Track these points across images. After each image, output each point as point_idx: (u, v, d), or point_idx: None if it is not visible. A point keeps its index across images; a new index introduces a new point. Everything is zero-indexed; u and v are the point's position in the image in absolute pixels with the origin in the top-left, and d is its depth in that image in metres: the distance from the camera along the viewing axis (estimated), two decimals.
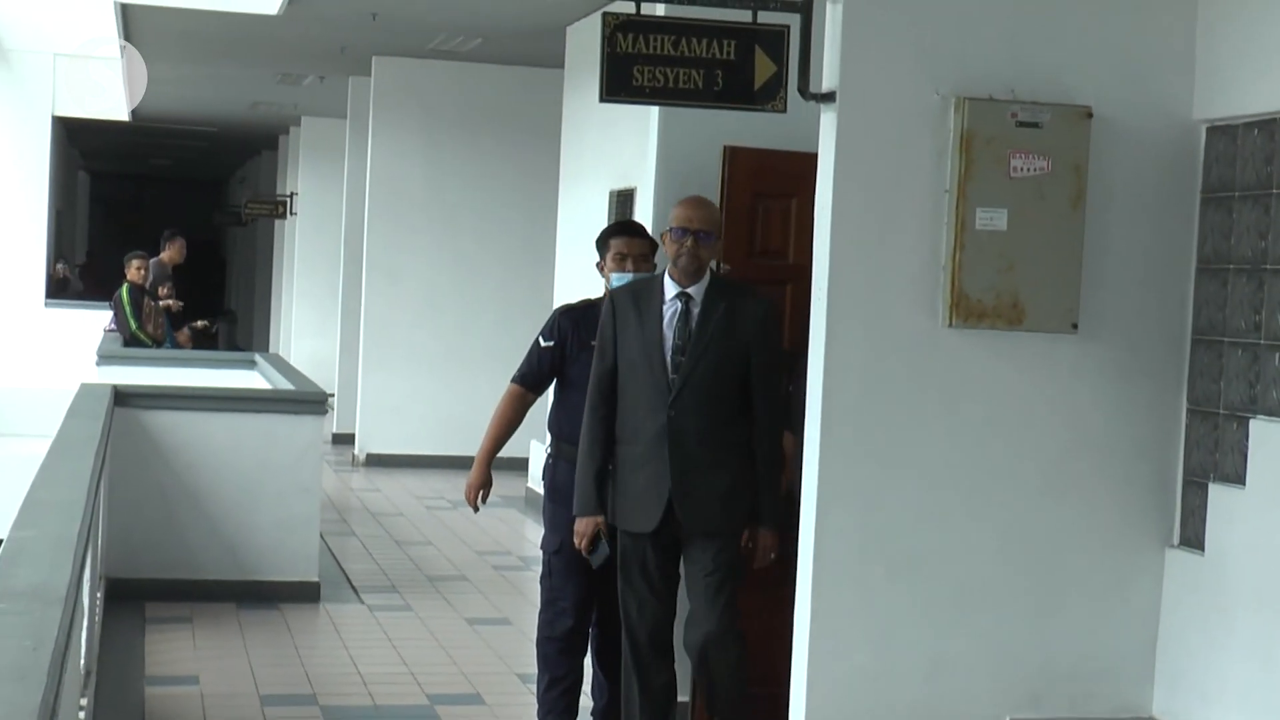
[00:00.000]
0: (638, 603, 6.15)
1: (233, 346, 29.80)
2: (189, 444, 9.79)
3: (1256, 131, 5.61)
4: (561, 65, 14.36)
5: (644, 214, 7.51)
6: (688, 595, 6.15)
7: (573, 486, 6.27)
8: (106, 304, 18.18)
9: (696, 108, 6.04)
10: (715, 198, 6.97)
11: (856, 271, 5.60)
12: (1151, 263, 5.85)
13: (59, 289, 25.53)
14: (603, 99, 5.81)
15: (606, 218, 11.69)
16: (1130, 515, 5.86)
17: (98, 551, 7.76)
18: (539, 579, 6.85)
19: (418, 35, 15.22)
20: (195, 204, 40.34)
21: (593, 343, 6.41)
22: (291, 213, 24.56)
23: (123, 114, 22.88)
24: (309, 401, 10.47)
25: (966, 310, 5.60)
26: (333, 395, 17.24)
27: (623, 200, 11.76)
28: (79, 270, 32.08)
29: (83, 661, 6.32)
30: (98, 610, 8.12)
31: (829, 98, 5.63)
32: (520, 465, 13.76)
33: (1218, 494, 5.68)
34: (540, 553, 6.82)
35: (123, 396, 9.79)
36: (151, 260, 16.92)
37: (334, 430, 17.47)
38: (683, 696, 6.67)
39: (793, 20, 5.72)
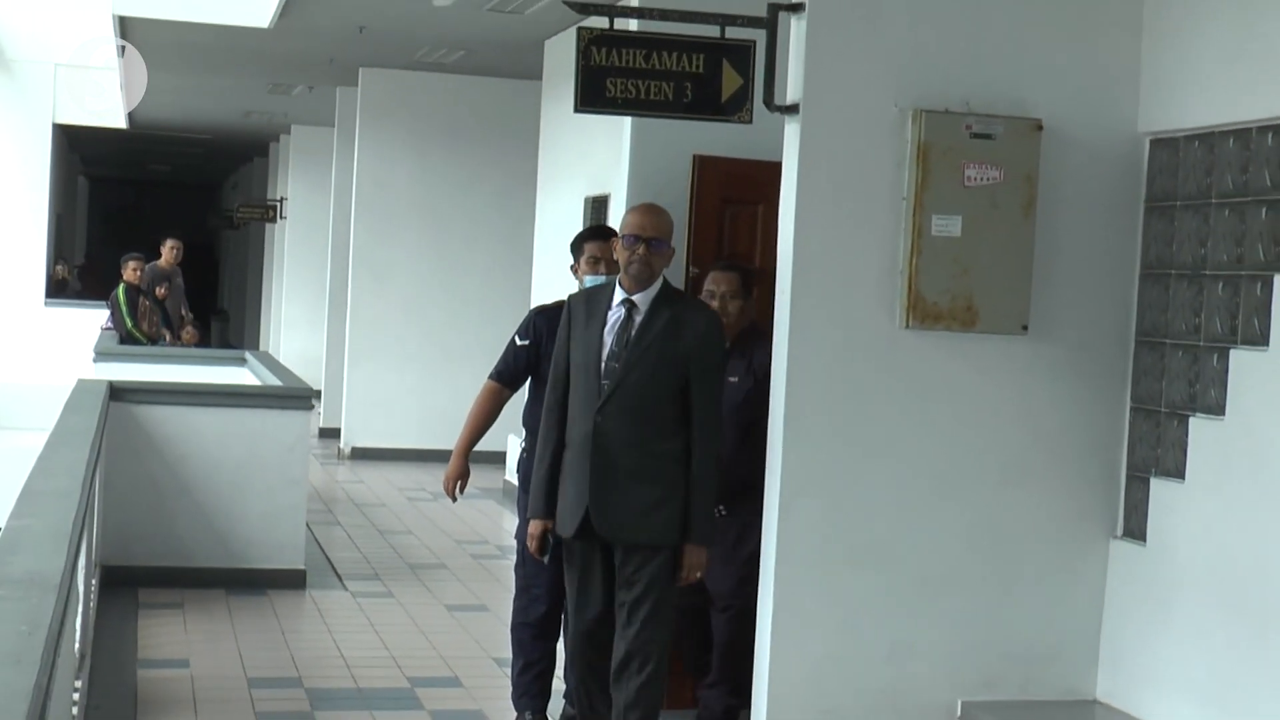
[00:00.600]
0: (575, 602, 5.93)
1: (225, 344, 29.73)
2: (181, 437, 9.76)
3: (1197, 144, 5.63)
4: (539, 77, 14.36)
5: (617, 219, 7.50)
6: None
7: None
8: (104, 303, 18.14)
9: (667, 118, 6.04)
10: (685, 205, 6.98)
11: (819, 275, 5.60)
12: (1098, 268, 5.86)
13: (58, 289, 25.44)
14: (578, 109, 5.81)
15: (581, 222, 11.69)
16: (1077, 508, 5.88)
17: (93, 540, 7.73)
18: (514, 567, 6.85)
19: (403, 48, 15.20)
20: (190, 208, 40.25)
21: None
22: (281, 216, 24.52)
23: (120, 121, 22.82)
24: (296, 397, 10.46)
25: (923, 312, 5.61)
26: (320, 391, 17.27)
27: (597, 206, 11.76)
28: (78, 271, 31.95)
29: (77, 646, 6.29)
30: (92, 596, 8.10)
31: (793, 110, 5.63)
32: (497, 459, 13.74)
33: (1159, 488, 5.70)
34: (515, 542, 6.81)
35: (118, 392, 9.76)
36: (148, 264, 16.89)
37: (321, 425, 17.43)
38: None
39: (758, 36, 5.72)
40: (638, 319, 5.75)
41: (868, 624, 5.71)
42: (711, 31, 5.79)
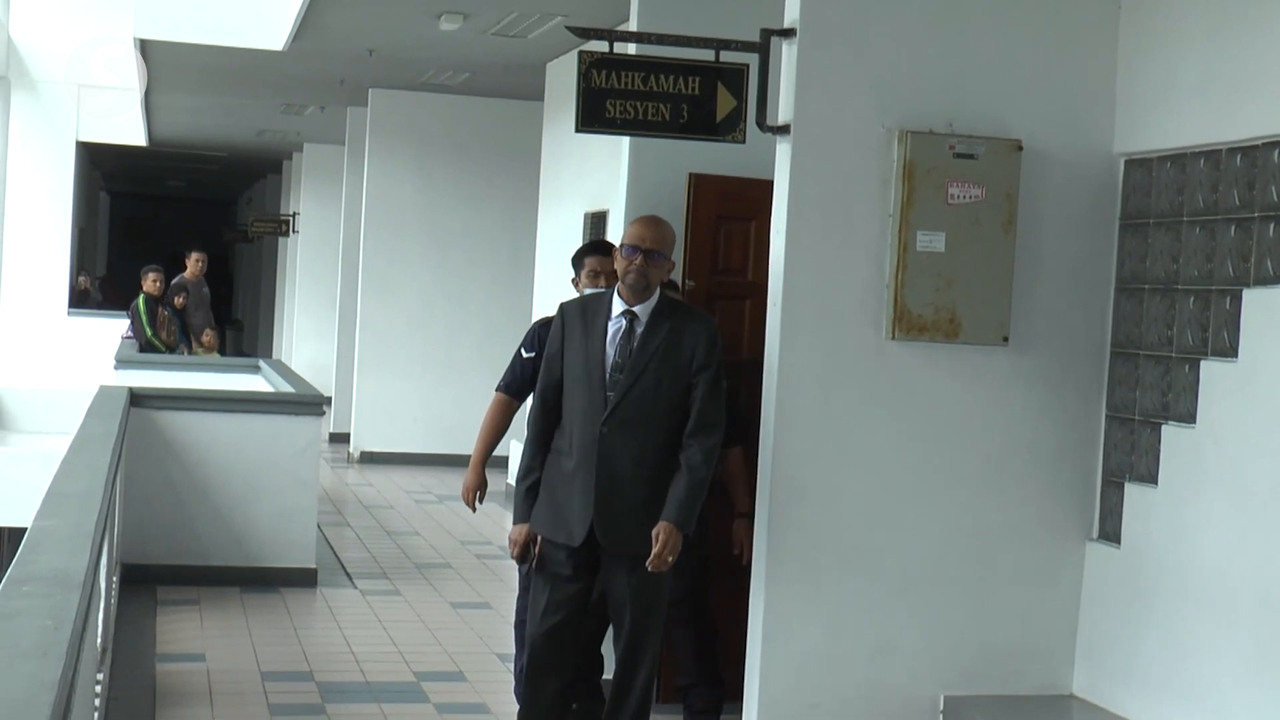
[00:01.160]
0: (541, 610, 5.69)
1: (239, 353, 29.73)
2: (198, 442, 9.76)
3: (1169, 164, 5.64)
4: (541, 98, 14.37)
5: (616, 235, 7.51)
6: (609, 610, 5.80)
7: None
8: (124, 313, 18.13)
9: (664, 138, 6.04)
10: (681, 221, 6.98)
11: (808, 288, 5.60)
12: (1075, 282, 5.87)
13: (80, 299, 25.41)
14: (579, 129, 5.80)
15: (581, 237, 11.69)
16: (1055, 512, 5.88)
17: (114, 539, 7.72)
18: (517, 566, 6.83)
19: (410, 70, 15.22)
20: (206, 222, 40.22)
21: None
22: (294, 231, 24.52)
23: (140, 139, 22.82)
24: (308, 403, 10.46)
25: (908, 324, 5.61)
26: (330, 398, 17.27)
27: (596, 221, 11.76)
28: (99, 282, 31.92)
29: (99, 640, 6.28)
30: (113, 593, 8.09)
31: (784, 130, 5.64)
32: (501, 463, 13.74)
33: (1133, 493, 5.70)
34: None
35: (138, 398, 9.76)
36: (175, 277, 16.98)
37: (331, 430, 17.43)
38: None
39: (752, 59, 5.73)
40: (639, 330, 5.61)
41: (854, 622, 5.71)
42: (707, 55, 5.79)
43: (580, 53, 5.75)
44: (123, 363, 14.46)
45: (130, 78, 18.10)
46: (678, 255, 6.93)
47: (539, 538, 5.70)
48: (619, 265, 5.69)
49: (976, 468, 5.78)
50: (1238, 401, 5.24)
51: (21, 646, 3.29)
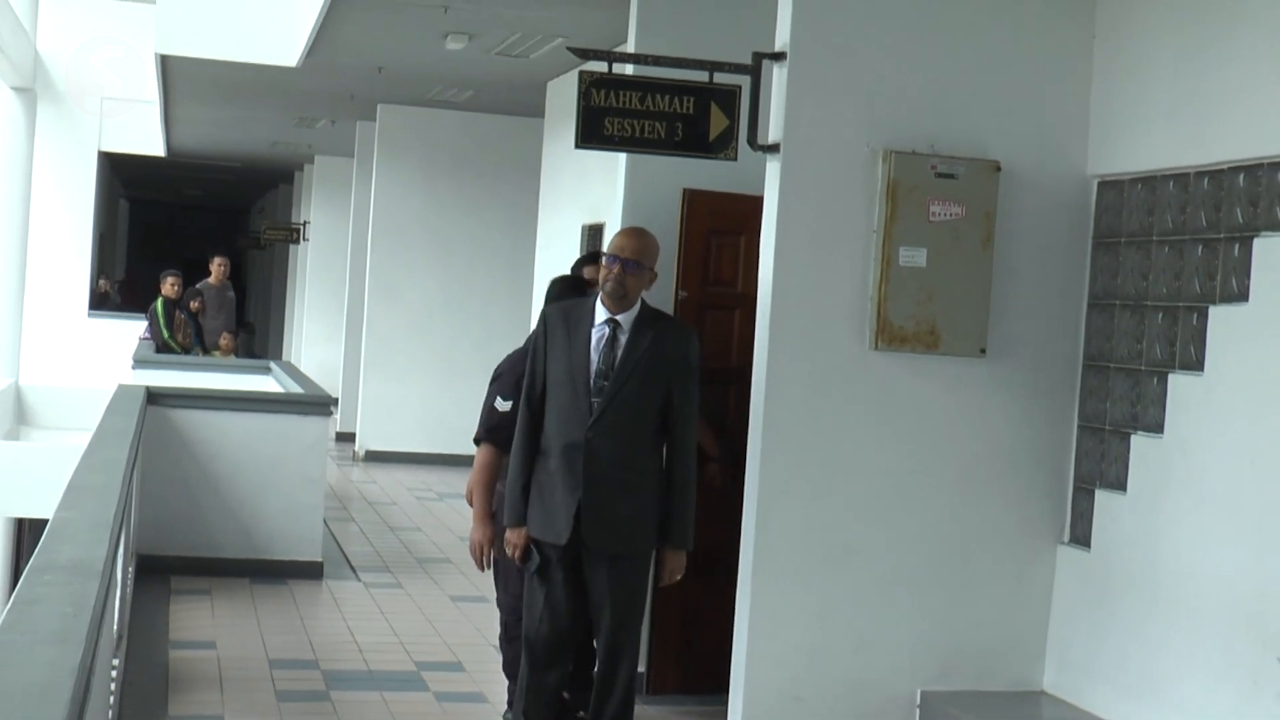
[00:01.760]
0: (538, 610, 5.67)
1: (251, 354, 29.71)
2: (211, 439, 9.76)
3: (1140, 186, 5.64)
4: (542, 115, 14.37)
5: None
6: (590, 607, 5.70)
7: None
8: (142, 315, 18.13)
9: (659, 155, 6.04)
10: (674, 234, 6.97)
11: (796, 300, 5.60)
12: (1049, 297, 5.87)
13: (100, 302, 25.43)
14: (579, 146, 5.81)
15: (579, 248, 11.69)
16: (1028, 516, 5.88)
17: (130, 531, 7.71)
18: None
19: (418, 86, 15.22)
20: (220, 229, 40.23)
21: None
22: (304, 239, 24.52)
23: (159, 150, 22.82)
24: (316, 404, 10.46)
25: (890, 335, 5.61)
26: (337, 399, 17.27)
27: (593, 233, 11.76)
28: (118, 285, 31.92)
29: (115, 627, 6.27)
30: (129, 582, 8.07)
31: (774, 149, 5.64)
32: None
33: (1103, 499, 5.70)
34: None
35: (154, 396, 9.76)
36: (199, 282, 17.05)
37: (337, 429, 17.41)
38: (641, 666, 6.65)
39: (744, 81, 5.74)
40: (623, 338, 5.56)
41: (836, 619, 5.70)
42: (701, 76, 5.80)
43: (580, 72, 5.76)
44: (140, 363, 14.46)
45: (146, 88, 18.11)
46: (670, 268, 6.94)
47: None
48: (600, 273, 5.67)
49: (954, 473, 5.78)
50: (1203, 413, 5.25)
51: (43, 632, 3.29)
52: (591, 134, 5.74)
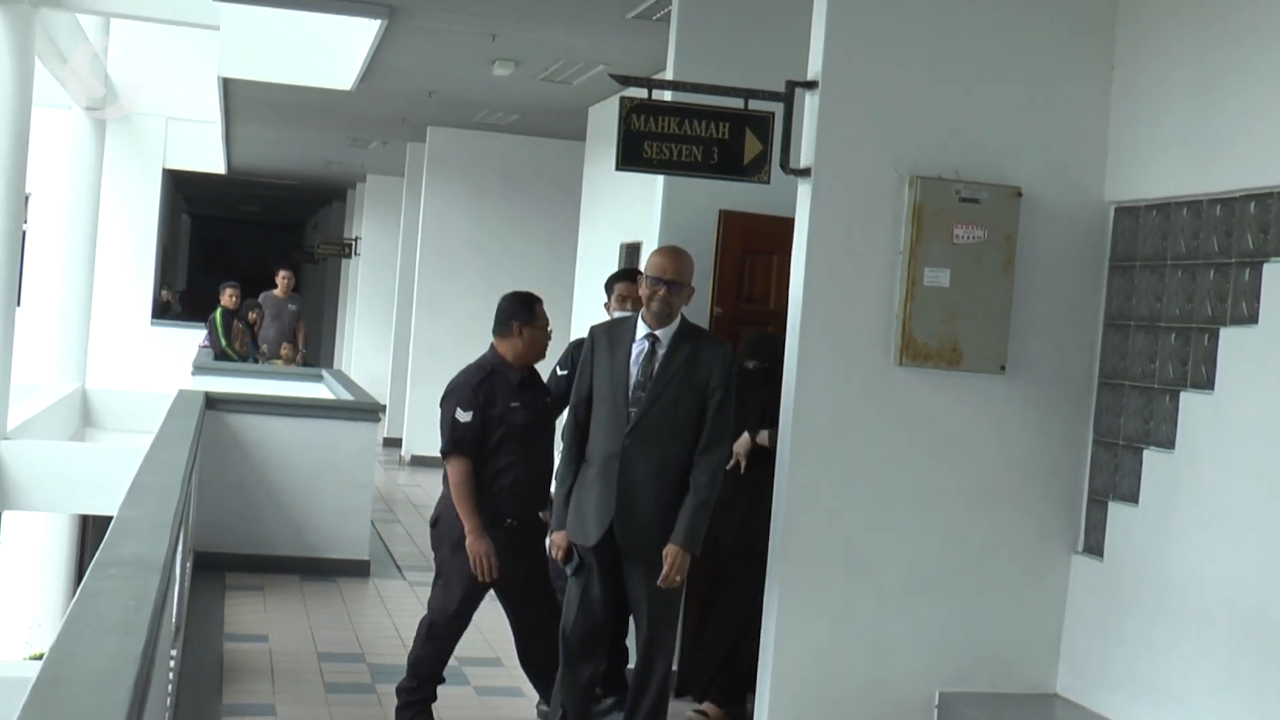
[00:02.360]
0: (575, 607, 5.72)
1: (304, 363, 29.82)
2: (265, 443, 9.80)
3: (1155, 212, 5.63)
4: (583, 138, 14.40)
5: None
6: (631, 608, 5.79)
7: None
8: (202, 324, 18.23)
9: (695, 177, 6.04)
10: (710, 253, 6.99)
11: (824, 317, 5.60)
12: (1067, 317, 5.86)
13: (162, 311, 25.56)
14: (619, 168, 5.81)
15: (616, 265, 11.70)
16: (1044, 526, 5.86)
17: (189, 529, 7.76)
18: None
19: (465, 110, 15.27)
20: (276, 244, 40.39)
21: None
22: (356, 254, 24.61)
23: (220, 168, 22.95)
24: (365, 410, 10.50)
25: (914, 352, 5.60)
26: (385, 406, 17.31)
27: (630, 251, 11.78)
28: (179, 296, 32.09)
29: (174, 620, 6.31)
30: (187, 578, 8.12)
31: (805, 173, 5.64)
32: None
33: (1116, 511, 5.68)
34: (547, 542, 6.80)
35: (213, 401, 9.81)
36: (263, 293, 17.16)
37: (385, 435, 17.46)
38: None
39: (777, 108, 5.74)
40: (660, 352, 5.61)
41: (858, 623, 5.69)
42: (736, 103, 5.80)
43: (621, 98, 5.77)
44: (199, 369, 14.54)
45: (209, 109, 18.22)
46: (706, 285, 6.96)
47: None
48: (644, 293, 5.69)
49: (973, 484, 5.76)
50: (1213, 430, 5.22)
51: (107, 623, 3.32)
52: (631, 157, 5.74)
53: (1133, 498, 5.59)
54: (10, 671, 6.77)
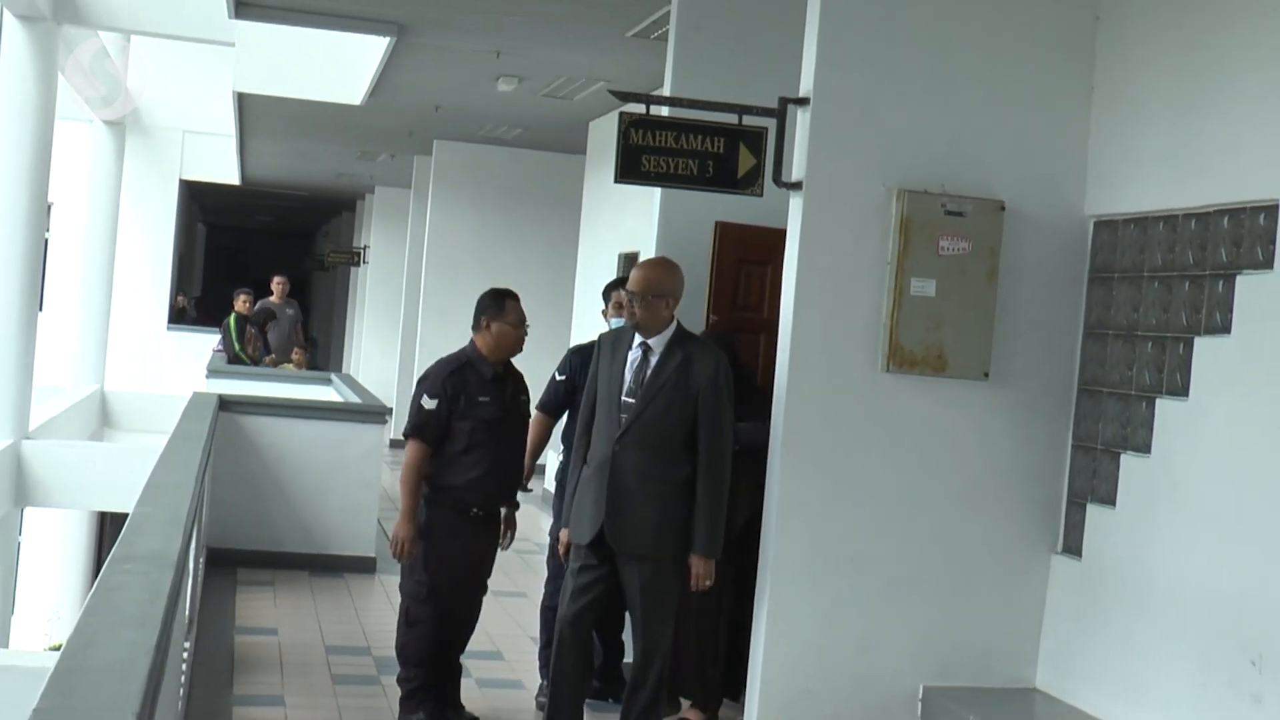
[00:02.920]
0: (568, 596, 5.70)
1: (314, 367, 29.85)
2: (276, 443, 9.79)
3: (1133, 226, 5.63)
4: (583, 152, 14.42)
5: None
6: (626, 605, 5.80)
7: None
8: (216, 329, 18.22)
9: (691, 190, 6.04)
10: (707, 263, 6.99)
11: (815, 325, 5.59)
12: (1048, 326, 5.85)
13: (178, 316, 25.57)
14: (618, 180, 5.81)
15: (615, 274, 11.70)
16: (1025, 527, 5.86)
17: (201, 526, 7.75)
18: (545, 559, 6.83)
19: (471, 124, 15.28)
20: (288, 252, 40.39)
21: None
22: (365, 262, 24.63)
23: (234, 179, 22.95)
24: (372, 413, 10.49)
25: (901, 359, 5.60)
26: (392, 409, 17.30)
27: (628, 260, 11.78)
28: (195, 302, 32.09)
29: (187, 613, 6.30)
30: (200, 573, 8.11)
31: (797, 186, 5.64)
32: (537, 470, 13.74)
33: (1094, 513, 5.68)
34: (549, 538, 6.80)
35: (226, 403, 9.80)
36: (259, 299, 17.07)
37: (391, 436, 17.44)
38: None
39: (770, 124, 5.74)
40: (653, 360, 5.58)
41: (846, 619, 5.68)
42: (730, 119, 5.80)
43: (620, 113, 5.77)
44: (213, 372, 14.53)
45: (224, 122, 18.22)
46: (702, 293, 6.95)
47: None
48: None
49: (957, 486, 5.76)
50: (1187, 436, 5.22)
51: (123, 616, 3.31)
52: (630, 170, 5.74)
53: (1110, 500, 5.58)
54: (30, 661, 6.75)
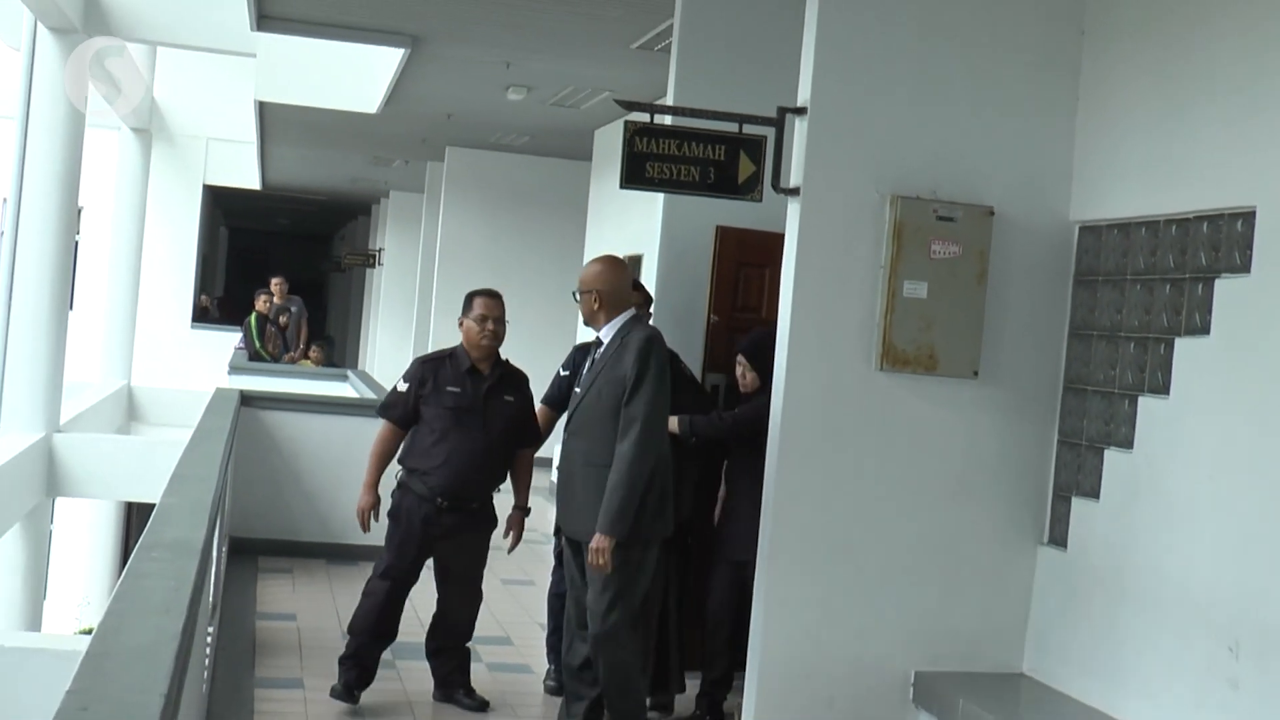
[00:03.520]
0: (569, 584, 5.76)
1: (331, 364, 29.86)
2: (295, 437, 9.79)
3: (1116, 231, 5.62)
4: (590, 159, 14.42)
5: (648, 275, 7.53)
6: None
7: None
8: (237, 328, 18.22)
9: (693, 195, 6.04)
10: (708, 265, 6.99)
11: (812, 325, 5.59)
12: (1035, 327, 5.85)
13: (201, 315, 25.56)
14: (622, 186, 5.81)
15: None
16: (1012, 519, 5.85)
17: (225, 516, 7.75)
18: (553, 548, 6.82)
19: (481, 132, 15.29)
20: (306, 254, 40.41)
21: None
22: (379, 264, 24.63)
23: (255, 184, 22.95)
24: None
25: (894, 358, 5.59)
26: None
27: (632, 264, 11.76)
28: (217, 301, 32.09)
29: (211, 599, 6.30)
30: (223, 561, 8.11)
31: (794, 192, 5.63)
32: (544, 464, 13.72)
33: (1078, 505, 5.67)
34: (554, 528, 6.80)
35: (247, 398, 9.81)
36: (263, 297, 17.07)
37: None
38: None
39: (769, 132, 5.73)
40: (598, 353, 5.65)
41: (841, 608, 5.68)
42: (731, 127, 5.80)
43: (625, 122, 5.76)
44: (235, 369, 14.55)
45: (246, 130, 18.21)
46: (704, 294, 6.95)
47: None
48: None
49: (948, 481, 5.75)
50: (1168, 432, 5.22)
51: (150, 602, 3.31)
52: (634, 176, 5.74)
53: (1094, 494, 5.58)
54: (62, 644, 6.76)
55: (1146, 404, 5.34)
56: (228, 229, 41.86)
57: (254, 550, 9.50)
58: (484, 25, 9.67)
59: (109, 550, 16.05)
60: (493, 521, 6.44)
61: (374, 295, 26.07)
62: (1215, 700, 4.82)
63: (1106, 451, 5.53)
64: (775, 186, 5.72)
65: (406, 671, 6.92)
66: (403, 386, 6.36)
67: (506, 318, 6.52)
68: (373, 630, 6.36)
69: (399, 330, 22.39)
